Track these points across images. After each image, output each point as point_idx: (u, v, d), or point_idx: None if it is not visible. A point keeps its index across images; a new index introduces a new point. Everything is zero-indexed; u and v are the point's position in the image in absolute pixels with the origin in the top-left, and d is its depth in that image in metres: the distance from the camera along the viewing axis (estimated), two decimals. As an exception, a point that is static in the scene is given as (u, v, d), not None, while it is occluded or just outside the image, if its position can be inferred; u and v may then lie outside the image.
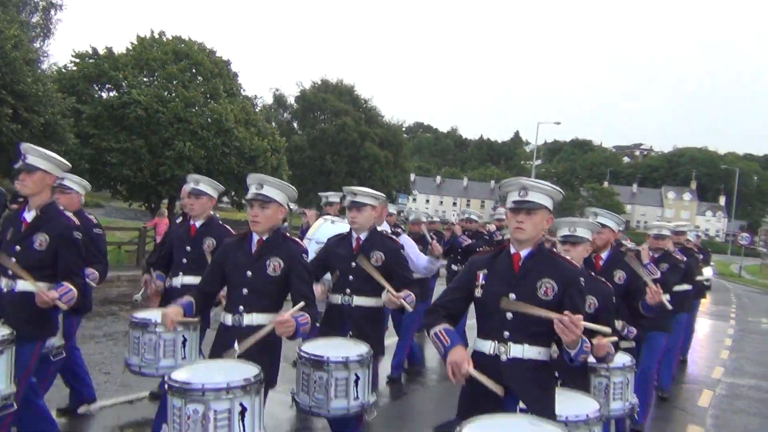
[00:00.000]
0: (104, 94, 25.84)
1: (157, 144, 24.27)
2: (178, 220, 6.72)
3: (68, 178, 6.02)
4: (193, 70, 26.65)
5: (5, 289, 4.55)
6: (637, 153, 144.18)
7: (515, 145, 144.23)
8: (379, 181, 52.05)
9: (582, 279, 3.57)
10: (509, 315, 3.45)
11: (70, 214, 4.81)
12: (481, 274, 3.61)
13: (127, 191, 25.91)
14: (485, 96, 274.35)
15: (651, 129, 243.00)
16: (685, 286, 8.34)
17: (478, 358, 3.50)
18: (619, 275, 5.43)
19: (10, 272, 4.55)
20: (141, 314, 5.33)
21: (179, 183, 23.55)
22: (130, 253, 22.42)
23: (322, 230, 6.57)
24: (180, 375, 3.71)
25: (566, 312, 3.24)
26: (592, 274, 4.72)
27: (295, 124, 56.65)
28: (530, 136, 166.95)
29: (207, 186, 5.82)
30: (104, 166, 23.87)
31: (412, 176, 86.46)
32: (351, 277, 5.07)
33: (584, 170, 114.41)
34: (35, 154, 4.58)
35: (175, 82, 25.56)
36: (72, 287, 4.49)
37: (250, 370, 3.75)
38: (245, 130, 26.10)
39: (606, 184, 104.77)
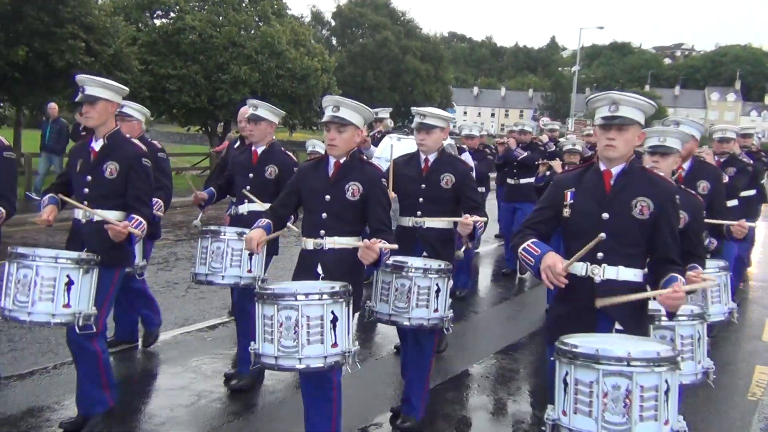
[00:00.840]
0: (157, 21, 26.20)
1: (212, 69, 24.67)
2: (236, 145, 6.82)
3: (128, 105, 6.00)
4: (241, -7, 26.78)
5: (83, 220, 4.59)
6: (678, 53, 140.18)
7: (552, 52, 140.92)
8: (421, 95, 51.91)
9: (677, 197, 3.48)
10: (603, 235, 3.30)
11: (137, 141, 4.84)
12: (569, 193, 3.48)
13: (185, 117, 26.52)
14: (519, 1, 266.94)
15: (692, 27, 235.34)
16: (751, 192, 8.02)
17: (570, 279, 3.35)
18: (703, 185, 5.36)
19: (84, 203, 4.57)
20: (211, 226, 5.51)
21: (236, 107, 24.12)
22: (202, 177, 23.22)
23: (390, 149, 6.44)
24: (270, 285, 3.84)
25: (671, 288, 3.13)
26: (683, 186, 4.52)
27: (333, 41, 56.45)
28: (567, 42, 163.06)
29: (266, 111, 5.67)
30: (163, 93, 24.44)
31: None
32: (421, 199, 4.96)
33: (624, 74, 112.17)
34: (94, 84, 4.52)
35: (225, 6, 25.76)
36: (142, 219, 4.51)
37: (339, 284, 3.81)
38: (296, 51, 26.33)
39: (647, 87, 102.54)
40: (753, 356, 6.73)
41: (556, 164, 8.17)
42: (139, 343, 6.31)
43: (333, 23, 56.25)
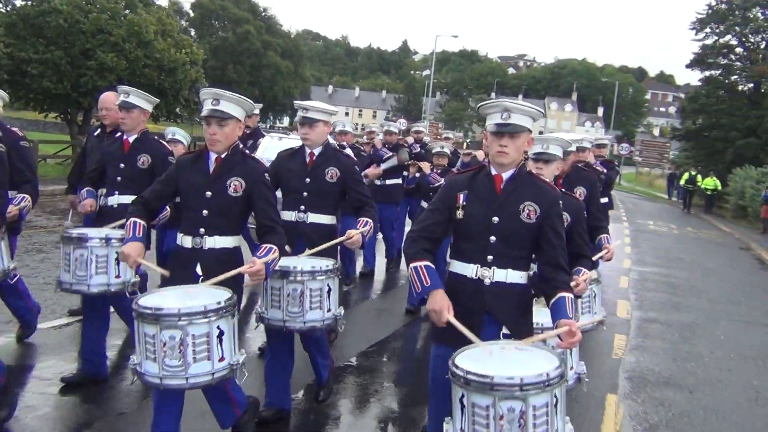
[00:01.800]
0: (18, 2, 25.08)
1: (77, 55, 23.97)
2: (96, 133, 6.54)
3: None
4: (108, -21, 26.15)
5: None
6: (521, 63, 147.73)
7: (404, 55, 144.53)
8: (280, 91, 52.21)
9: (560, 202, 3.56)
10: (493, 238, 3.41)
11: None
12: (461, 195, 3.51)
13: (44, 102, 25.62)
14: (374, 3, 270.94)
15: (534, 40, 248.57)
16: (604, 200, 8.42)
17: (459, 280, 3.47)
18: (580, 191, 5.54)
19: None
20: (74, 230, 5.12)
21: (99, 93, 23.65)
22: (64, 165, 22.64)
23: (270, 148, 6.43)
24: (149, 301, 3.55)
25: (563, 328, 3.19)
26: (563, 190, 4.65)
27: (192, 33, 55.48)
28: (418, 46, 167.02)
29: (138, 98, 5.44)
30: (23, 77, 23.50)
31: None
32: (305, 194, 4.89)
33: (472, 80, 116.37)
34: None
35: (93, -8, 25.10)
36: None
37: (222, 294, 3.66)
38: (164, 41, 26.05)
39: (493, 94, 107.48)
40: (611, 327, 8.05)
41: (425, 166, 8.55)
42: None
43: (192, 14, 55.27)
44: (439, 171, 8.40)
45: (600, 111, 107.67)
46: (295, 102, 5.42)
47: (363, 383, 5.91)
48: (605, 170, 8.55)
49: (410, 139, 11.33)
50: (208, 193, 3.98)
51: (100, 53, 23.89)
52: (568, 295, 3.35)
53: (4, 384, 4.50)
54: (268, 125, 58.42)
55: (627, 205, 31.18)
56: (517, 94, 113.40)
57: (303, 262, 4.53)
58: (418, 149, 10.71)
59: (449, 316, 3.25)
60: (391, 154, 9.99)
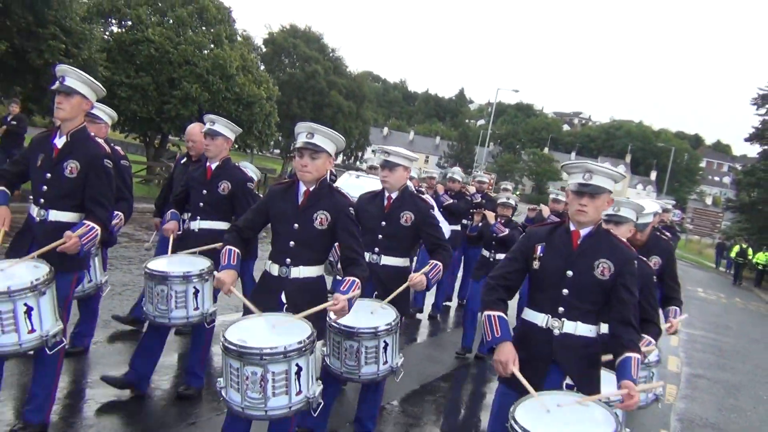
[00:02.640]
0: (114, 29, 26.90)
1: (164, 83, 25.58)
2: (183, 161, 6.84)
3: (97, 106, 5.76)
4: (198, 15, 27.89)
5: (38, 219, 4.39)
6: (576, 121, 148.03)
7: (460, 103, 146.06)
8: (341, 130, 53.60)
9: (636, 262, 3.63)
10: (565, 291, 3.53)
11: (101, 141, 4.64)
12: (539, 247, 3.66)
13: (128, 124, 27.25)
14: (433, 49, 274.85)
15: (590, 98, 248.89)
16: None
17: (530, 328, 3.62)
18: (655, 261, 5.48)
19: (41, 200, 4.38)
20: (154, 264, 5.26)
21: (182, 121, 25.23)
22: (141, 186, 24.07)
23: (347, 185, 6.62)
24: (234, 335, 3.70)
25: (624, 390, 3.26)
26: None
27: (261, 67, 57.43)
28: (474, 95, 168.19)
29: (223, 127, 5.61)
30: (112, 98, 25.14)
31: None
32: (380, 236, 5.07)
33: (526, 134, 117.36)
34: (74, 77, 4.34)
35: (184, 27, 26.80)
36: (94, 225, 4.30)
37: (304, 331, 3.78)
38: (244, 76, 27.61)
39: (546, 150, 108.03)
40: (663, 377, 8.77)
41: (490, 215, 8.79)
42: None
43: (264, 49, 57.34)
44: (503, 221, 8.60)
45: (653, 175, 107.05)
46: (377, 146, 6.09)
47: (407, 424, 5.97)
48: (669, 235, 8.39)
49: (472, 189, 11.56)
50: (296, 225, 4.11)
51: (186, 83, 25.47)
52: (635, 356, 3.38)
53: (48, 413, 4.54)
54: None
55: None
56: (571, 152, 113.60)
57: (364, 319, 4.64)
58: (479, 199, 10.93)
59: (514, 368, 3.43)
60: (451, 200, 10.18)
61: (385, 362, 4.63)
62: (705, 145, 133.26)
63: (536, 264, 3.64)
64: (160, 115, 25.75)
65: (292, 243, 4.09)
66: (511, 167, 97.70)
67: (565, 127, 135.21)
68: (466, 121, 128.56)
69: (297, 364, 3.66)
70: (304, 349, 3.67)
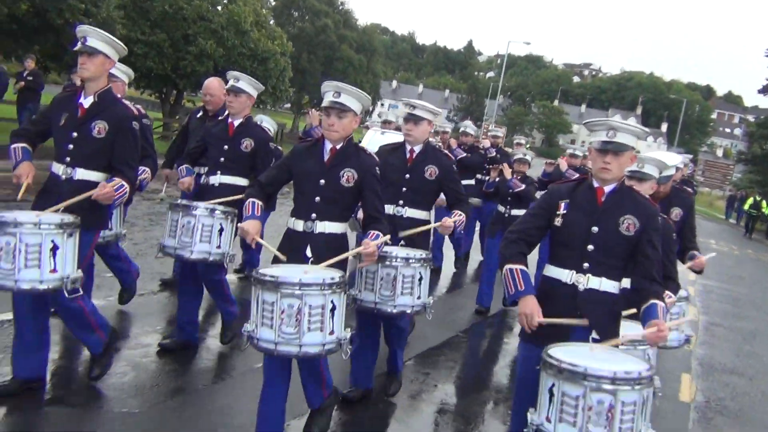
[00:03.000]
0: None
1: (179, 39, 25.71)
2: (199, 115, 6.79)
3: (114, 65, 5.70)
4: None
5: (63, 177, 4.42)
6: (586, 72, 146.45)
7: (469, 55, 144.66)
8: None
9: (659, 218, 3.67)
10: (590, 247, 3.54)
11: (128, 103, 4.70)
12: (562, 204, 3.64)
13: (144, 81, 27.45)
14: (442, 1, 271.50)
15: (600, 49, 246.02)
16: None
17: (553, 284, 3.62)
18: (676, 212, 5.54)
19: (67, 159, 4.42)
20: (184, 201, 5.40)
21: (198, 78, 25.38)
22: (157, 141, 24.32)
23: (373, 141, 6.59)
24: (270, 271, 3.76)
25: (653, 328, 3.31)
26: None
27: (271, 21, 57.23)
28: (483, 47, 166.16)
29: (247, 84, 5.64)
30: (129, 56, 25.33)
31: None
32: (404, 189, 5.12)
33: (536, 86, 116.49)
34: (96, 37, 4.38)
35: (197, -19, 26.84)
36: (125, 183, 4.41)
37: (336, 272, 3.84)
38: (258, 32, 27.71)
39: (556, 102, 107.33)
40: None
41: (507, 170, 8.69)
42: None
43: (273, 2, 57.03)
44: (519, 177, 8.59)
45: (664, 127, 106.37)
46: (402, 99, 5.80)
47: (423, 379, 5.99)
48: (690, 190, 8.20)
49: (487, 143, 11.38)
50: (322, 181, 4.14)
51: (201, 39, 25.60)
52: (660, 303, 3.43)
53: (106, 341, 4.75)
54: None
55: (688, 223, 31.81)
56: (581, 104, 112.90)
57: (398, 249, 4.80)
58: (494, 153, 10.77)
59: (540, 318, 3.45)
60: (465, 154, 10.02)
61: (419, 297, 4.68)
62: (716, 97, 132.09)
63: (559, 221, 3.62)
64: (175, 72, 25.94)
65: (317, 199, 4.15)
66: (521, 120, 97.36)
67: (576, 79, 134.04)
68: (475, 73, 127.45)
69: (332, 301, 3.70)
70: (338, 286, 3.73)
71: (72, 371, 5.03)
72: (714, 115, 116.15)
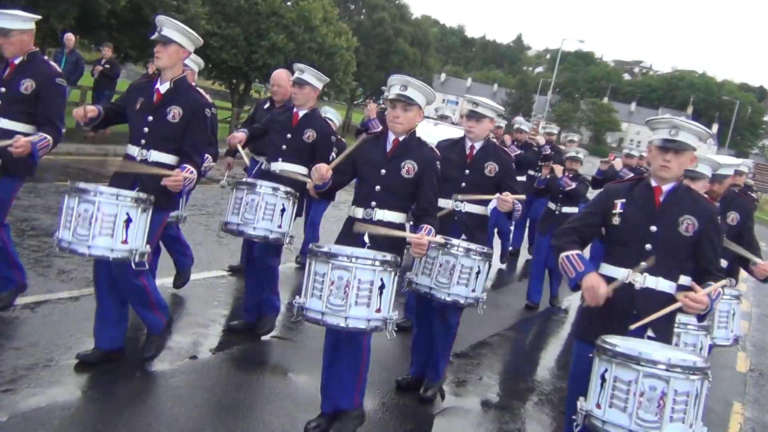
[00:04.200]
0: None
1: (252, 34, 27.08)
2: (266, 106, 6.94)
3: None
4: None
5: (139, 158, 4.54)
6: (636, 70, 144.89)
7: (518, 50, 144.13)
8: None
9: (718, 218, 3.64)
10: (648, 246, 3.50)
11: (202, 91, 4.79)
12: (619, 203, 3.60)
13: (217, 72, 28.84)
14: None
15: (651, 47, 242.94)
16: None
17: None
18: (733, 216, 5.46)
19: (142, 141, 4.54)
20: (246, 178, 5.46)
21: (268, 70, 26.59)
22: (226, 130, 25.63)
23: (425, 132, 5.61)
24: (326, 246, 3.86)
25: (687, 295, 3.34)
26: None
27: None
28: (532, 41, 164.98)
29: (311, 76, 5.68)
30: (205, 48, 26.76)
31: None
32: (463, 184, 5.08)
33: (585, 83, 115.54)
34: (171, 27, 4.50)
35: (270, -22, 28.15)
36: (194, 169, 4.52)
37: (390, 254, 3.88)
38: (326, 28, 28.98)
39: (606, 100, 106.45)
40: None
41: (558, 169, 8.78)
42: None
43: (333, -3, 58.44)
44: (570, 175, 8.62)
45: (714, 128, 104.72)
46: (465, 95, 5.82)
47: (466, 373, 6.04)
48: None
49: (541, 140, 11.49)
50: (383, 171, 4.24)
51: (273, 34, 26.91)
52: (714, 284, 3.43)
53: (164, 324, 4.87)
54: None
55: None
56: (631, 102, 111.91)
57: (461, 241, 4.83)
58: (548, 150, 10.92)
59: (606, 287, 3.42)
60: (519, 151, 9.98)
61: (474, 290, 4.72)
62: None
63: (616, 220, 3.60)
64: (248, 64, 27.29)
65: (378, 187, 4.23)
66: (570, 116, 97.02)
67: (626, 77, 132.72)
68: (524, 68, 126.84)
69: (381, 279, 3.76)
70: (389, 265, 3.81)
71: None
72: (766, 117, 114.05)
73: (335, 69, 29.28)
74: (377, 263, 3.76)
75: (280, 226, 5.27)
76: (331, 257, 3.70)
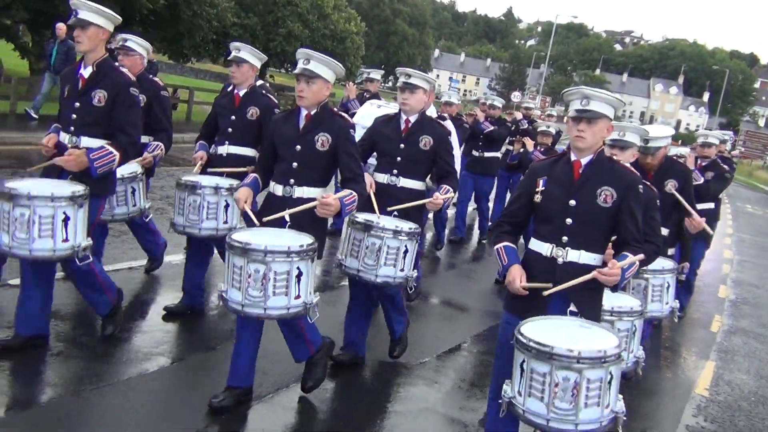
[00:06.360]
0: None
1: (269, 23, 28.94)
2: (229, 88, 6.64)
3: (131, 39, 5.79)
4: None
5: (69, 145, 4.48)
6: (627, 40, 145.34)
7: (510, 24, 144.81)
8: (405, 57, 56.24)
9: (640, 186, 3.60)
10: (569, 221, 3.53)
11: (125, 70, 4.72)
12: (541, 181, 3.63)
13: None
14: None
15: (642, 16, 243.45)
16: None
17: (535, 258, 3.62)
18: (671, 184, 5.46)
19: (71, 128, 4.49)
20: (188, 177, 5.39)
21: (285, 57, 28.41)
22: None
23: (369, 115, 6.11)
24: (241, 236, 3.83)
25: (602, 270, 3.36)
26: (651, 183, 4.68)
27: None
28: (522, 14, 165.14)
29: (248, 54, 5.59)
30: (225, 37, 28.60)
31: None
32: (399, 158, 5.02)
33: (577, 55, 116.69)
34: (87, 9, 4.40)
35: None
36: (112, 150, 4.41)
37: (306, 239, 3.89)
38: (338, 14, 30.85)
39: (598, 71, 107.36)
40: (722, 260, 12.35)
41: (529, 143, 8.76)
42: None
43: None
44: (542, 149, 8.62)
45: (706, 96, 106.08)
46: (397, 68, 5.52)
47: (441, 344, 6.02)
48: (727, 167, 7.87)
49: (519, 115, 11.41)
50: (298, 147, 4.23)
51: (289, 22, 28.76)
52: (630, 254, 3.46)
53: (114, 302, 4.90)
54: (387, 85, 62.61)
55: (727, 191, 33.95)
56: (623, 72, 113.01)
57: (388, 220, 4.73)
58: (526, 125, 10.85)
59: (522, 283, 3.50)
60: (492, 127, 9.78)
61: (402, 269, 4.67)
62: (760, 65, 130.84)
63: (538, 197, 3.63)
64: (266, 52, 29.08)
65: (295, 164, 4.25)
66: (563, 89, 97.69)
67: (617, 47, 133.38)
68: (517, 42, 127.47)
69: (298, 268, 3.80)
70: (305, 253, 3.81)
71: (78, 330, 5.08)
72: (757, 84, 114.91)
73: (347, 54, 31.17)
74: (293, 255, 3.78)
75: (225, 222, 5.32)
76: (246, 252, 3.74)
